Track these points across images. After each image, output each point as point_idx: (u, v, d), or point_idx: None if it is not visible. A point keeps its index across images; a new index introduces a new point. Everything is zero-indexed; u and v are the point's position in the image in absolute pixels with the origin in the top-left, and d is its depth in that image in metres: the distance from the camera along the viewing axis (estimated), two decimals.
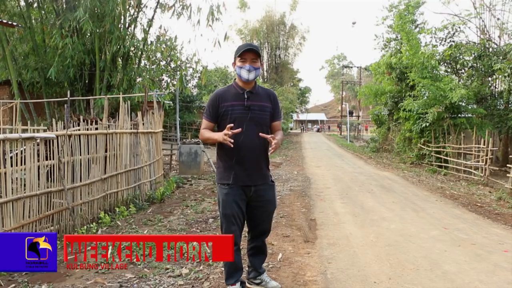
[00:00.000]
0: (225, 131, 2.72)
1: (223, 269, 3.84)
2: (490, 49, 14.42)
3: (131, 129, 6.84)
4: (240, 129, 2.77)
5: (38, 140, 4.53)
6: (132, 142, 6.81)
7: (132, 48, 13.04)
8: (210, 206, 7.04)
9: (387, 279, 3.74)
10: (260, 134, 2.82)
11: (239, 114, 2.92)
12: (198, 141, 11.66)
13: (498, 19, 15.11)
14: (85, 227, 5.15)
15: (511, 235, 5.59)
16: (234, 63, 3.02)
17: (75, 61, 11.27)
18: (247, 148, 2.90)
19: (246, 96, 2.95)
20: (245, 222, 3.13)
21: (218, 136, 2.79)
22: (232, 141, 2.71)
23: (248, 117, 2.92)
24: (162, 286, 3.48)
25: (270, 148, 2.82)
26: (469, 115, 14.32)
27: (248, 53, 2.91)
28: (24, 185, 4.33)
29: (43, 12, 12.43)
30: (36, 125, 11.08)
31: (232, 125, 2.76)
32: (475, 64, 14.84)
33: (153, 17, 13.13)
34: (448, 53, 14.76)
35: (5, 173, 4.03)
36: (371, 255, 4.47)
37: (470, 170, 11.68)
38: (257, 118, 2.95)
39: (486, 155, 10.72)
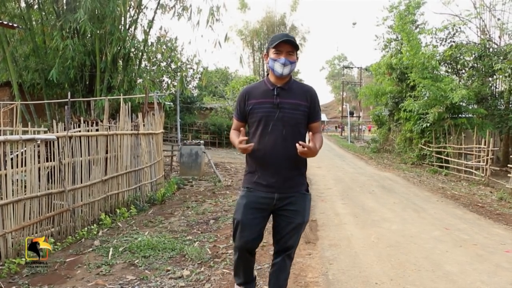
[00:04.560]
0: (240, 138, 2.50)
1: (224, 271, 3.85)
2: (491, 49, 14.42)
3: (131, 130, 6.83)
4: (252, 144, 2.51)
5: (39, 142, 4.53)
6: (133, 144, 6.81)
7: (133, 49, 13.03)
8: (211, 207, 7.03)
9: (389, 280, 3.73)
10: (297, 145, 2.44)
11: (266, 113, 2.57)
12: (199, 142, 11.67)
13: (499, 19, 15.13)
14: (86, 228, 5.14)
15: None
16: (266, 55, 2.66)
17: (75, 62, 11.26)
18: (272, 151, 2.55)
19: (275, 93, 2.58)
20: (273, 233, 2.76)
21: (236, 143, 2.55)
22: (249, 148, 2.48)
23: (275, 116, 2.55)
24: None
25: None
26: (470, 115, 14.32)
27: (284, 45, 2.55)
28: (25, 186, 4.33)
29: (43, 13, 12.42)
30: (37, 126, 11.07)
31: (246, 138, 2.51)
32: (475, 64, 14.84)
33: (153, 18, 13.12)
34: (448, 54, 14.76)
35: (6, 175, 4.03)
36: (372, 256, 4.46)
37: (471, 170, 11.67)
38: (287, 117, 2.56)
39: (487, 155, 10.71)
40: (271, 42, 2.61)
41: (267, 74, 2.71)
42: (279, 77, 2.58)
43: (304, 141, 2.58)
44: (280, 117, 2.55)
